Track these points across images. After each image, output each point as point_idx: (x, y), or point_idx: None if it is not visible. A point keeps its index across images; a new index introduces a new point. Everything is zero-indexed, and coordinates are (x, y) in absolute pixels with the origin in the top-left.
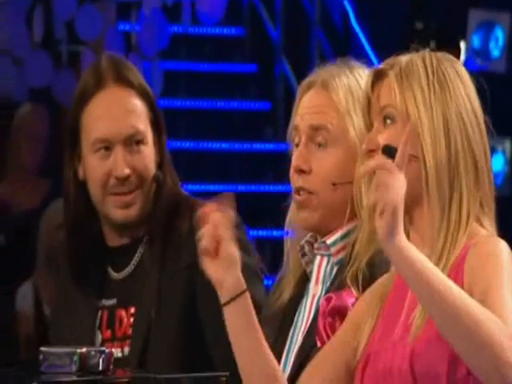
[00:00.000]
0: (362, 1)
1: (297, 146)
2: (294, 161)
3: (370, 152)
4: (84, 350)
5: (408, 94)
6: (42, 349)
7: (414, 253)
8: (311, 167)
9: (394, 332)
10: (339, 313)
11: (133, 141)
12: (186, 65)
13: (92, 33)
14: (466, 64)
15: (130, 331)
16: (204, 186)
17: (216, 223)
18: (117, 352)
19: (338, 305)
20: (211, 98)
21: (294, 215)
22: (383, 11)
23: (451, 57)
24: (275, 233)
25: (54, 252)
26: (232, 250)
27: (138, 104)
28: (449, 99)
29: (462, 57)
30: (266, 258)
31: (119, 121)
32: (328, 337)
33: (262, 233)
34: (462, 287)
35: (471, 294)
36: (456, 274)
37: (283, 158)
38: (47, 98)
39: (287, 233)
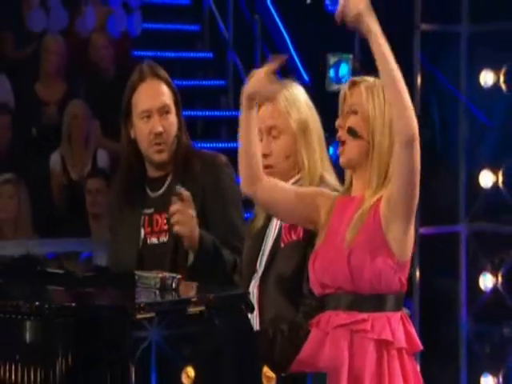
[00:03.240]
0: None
1: (261, 140)
2: (262, 149)
3: (340, 128)
4: (163, 275)
5: (370, 99)
6: (137, 272)
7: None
8: (271, 151)
9: (336, 237)
10: (295, 225)
11: (163, 111)
12: (155, 53)
13: None
14: None
15: (164, 227)
16: None
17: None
18: (153, 240)
19: None
20: (180, 78)
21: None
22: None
23: None
24: None
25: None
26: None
27: (165, 89)
28: (390, 113)
29: None
30: None
31: (155, 99)
32: (289, 238)
33: None
34: (379, 218)
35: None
36: (377, 205)
37: (235, 121)
38: None
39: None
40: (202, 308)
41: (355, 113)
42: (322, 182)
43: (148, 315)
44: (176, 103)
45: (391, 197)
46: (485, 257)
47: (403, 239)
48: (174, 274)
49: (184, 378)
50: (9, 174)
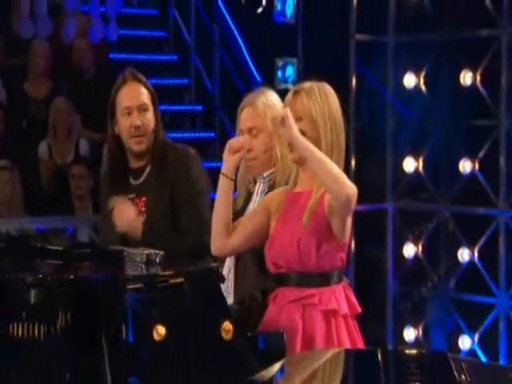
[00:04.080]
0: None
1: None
2: (245, 145)
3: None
4: (148, 251)
5: (311, 103)
6: (125, 249)
7: (306, 141)
8: (253, 147)
9: (288, 225)
10: None
11: (141, 109)
12: (129, 56)
13: None
14: None
15: (142, 209)
16: None
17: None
18: None
19: None
20: (150, 78)
21: (244, 169)
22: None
23: (326, 84)
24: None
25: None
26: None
27: (143, 91)
28: (331, 112)
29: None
30: None
31: (135, 98)
32: None
33: None
34: (324, 212)
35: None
36: (323, 197)
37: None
38: None
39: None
40: (181, 279)
41: (300, 119)
42: (291, 171)
43: (137, 286)
44: (153, 103)
45: (331, 207)
46: (407, 230)
47: (344, 225)
48: (157, 251)
49: (155, 334)
50: (4, 162)
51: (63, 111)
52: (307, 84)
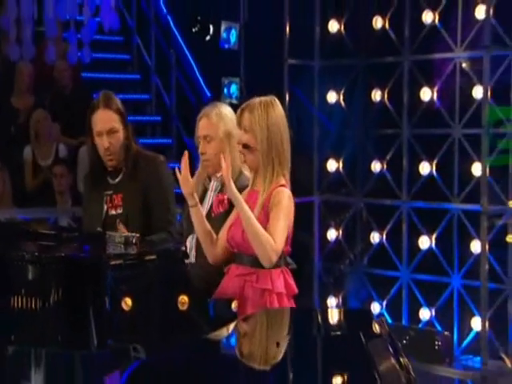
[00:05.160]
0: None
1: (199, 144)
2: (200, 150)
3: (238, 144)
4: (126, 234)
5: (252, 118)
6: (108, 232)
7: (242, 201)
8: (207, 151)
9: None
10: (223, 201)
11: (110, 132)
12: (99, 75)
13: None
14: None
15: (119, 203)
16: None
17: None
18: (113, 212)
19: (222, 197)
20: (117, 94)
21: (201, 168)
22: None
23: (272, 98)
24: None
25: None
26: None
27: (113, 116)
28: (269, 122)
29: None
30: None
31: (104, 124)
32: (218, 210)
33: None
34: (268, 211)
35: (267, 219)
36: (268, 200)
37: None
38: None
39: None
40: (153, 257)
41: (246, 132)
42: (240, 174)
43: (118, 262)
44: (122, 122)
45: (270, 219)
46: (330, 218)
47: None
48: (133, 234)
49: (124, 305)
50: None
51: (41, 120)
52: (252, 100)
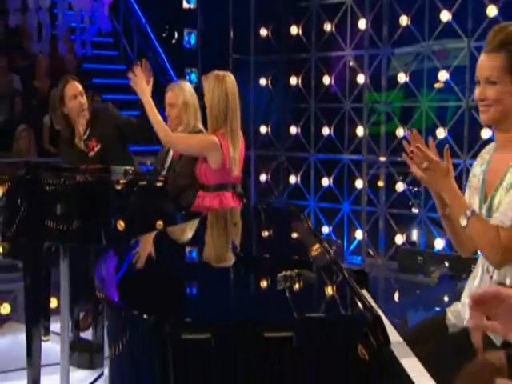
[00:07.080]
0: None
1: (165, 109)
2: (166, 113)
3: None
4: (124, 168)
5: (207, 86)
6: (112, 166)
7: (149, 101)
8: (170, 115)
9: None
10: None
11: (83, 93)
12: (97, 66)
13: None
14: None
15: (96, 144)
16: None
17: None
18: (91, 154)
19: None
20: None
21: (169, 126)
22: None
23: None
24: None
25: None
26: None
27: (78, 85)
28: (220, 87)
29: None
30: None
31: (77, 88)
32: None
33: None
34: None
35: None
36: None
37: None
38: None
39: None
40: (144, 183)
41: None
42: (195, 127)
43: (120, 187)
44: (84, 92)
45: None
46: (262, 166)
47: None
48: (130, 167)
49: (118, 226)
50: (24, 125)
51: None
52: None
